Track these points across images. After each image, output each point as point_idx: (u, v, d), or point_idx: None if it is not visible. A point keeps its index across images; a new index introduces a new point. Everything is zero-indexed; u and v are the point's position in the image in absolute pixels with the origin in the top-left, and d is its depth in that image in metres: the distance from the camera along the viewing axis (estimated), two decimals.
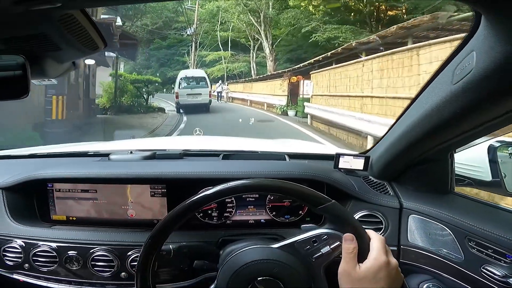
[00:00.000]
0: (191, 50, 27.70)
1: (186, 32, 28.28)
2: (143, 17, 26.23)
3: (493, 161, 0.98)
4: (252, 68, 24.91)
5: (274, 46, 22.01)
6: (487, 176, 0.99)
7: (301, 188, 0.72)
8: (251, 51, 24.80)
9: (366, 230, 0.71)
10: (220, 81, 22.64)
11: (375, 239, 0.69)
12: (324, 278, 0.71)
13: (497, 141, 0.98)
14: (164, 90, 28.96)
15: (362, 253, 0.67)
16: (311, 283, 0.71)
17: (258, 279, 0.71)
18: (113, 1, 0.52)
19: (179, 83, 15.55)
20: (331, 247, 0.70)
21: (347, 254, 0.67)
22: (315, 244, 0.71)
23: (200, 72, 17.62)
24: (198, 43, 27.70)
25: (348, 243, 0.67)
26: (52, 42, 0.52)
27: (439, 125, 0.72)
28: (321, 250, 0.70)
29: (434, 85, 0.68)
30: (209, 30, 27.37)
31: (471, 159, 1.03)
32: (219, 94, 21.55)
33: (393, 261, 0.67)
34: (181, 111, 14.66)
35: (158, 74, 29.62)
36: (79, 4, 0.46)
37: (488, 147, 0.97)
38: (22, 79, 0.47)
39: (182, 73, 16.65)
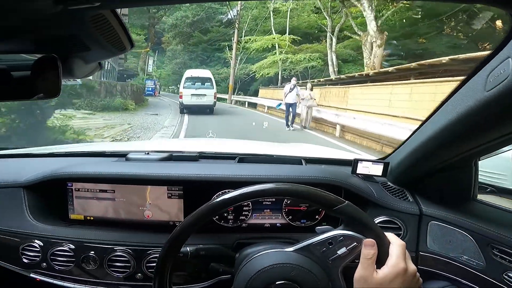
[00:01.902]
0: (233, 40, 23.50)
1: (227, 16, 25.20)
2: (181, 9, 24.55)
3: None
4: (330, 62, 15.96)
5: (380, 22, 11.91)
6: (511, 184, 0.97)
7: (314, 191, 0.70)
8: (328, 34, 15.98)
9: (386, 234, 0.69)
10: (293, 80, 10.86)
11: (395, 245, 0.67)
12: (342, 280, 0.70)
13: None
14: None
15: (380, 258, 0.65)
16: (329, 286, 0.70)
17: (277, 283, 0.70)
18: (150, 1, 0.52)
19: (184, 83, 15.02)
20: (347, 248, 0.68)
21: (365, 259, 0.65)
22: (330, 246, 0.70)
23: (206, 72, 16.75)
24: (241, 31, 23.33)
25: (368, 249, 0.65)
26: (82, 43, 0.53)
27: (467, 133, 0.70)
28: (338, 252, 0.69)
29: (464, 92, 0.66)
30: (259, 16, 22.58)
31: (494, 166, 1.01)
32: (291, 109, 10.50)
33: (412, 267, 0.66)
34: (185, 111, 14.33)
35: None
36: (117, 4, 0.47)
37: None
38: (55, 78, 0.47)
39: (188, 73, 16.03)
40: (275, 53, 21.12)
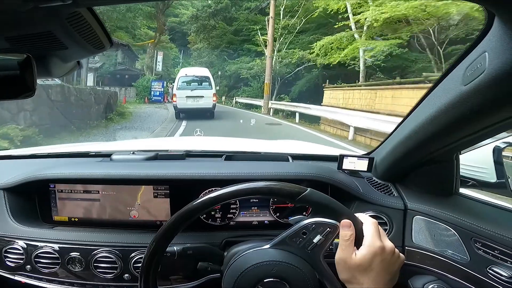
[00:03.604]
0: (267, 26, 17.41)
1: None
2: None
3: (498, 162, 0.97)
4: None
5: None
6: (492, 178, 0.99)
7: (275, 185, 0.70)
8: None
9: (357, 214, 0.70)
10: None
11: (368, 224, 0.67)
12: (327, 267, 0.70)
13: (503, 142, 0.97)
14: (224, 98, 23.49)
15: (356, 239, 0.66)
16: (315, 275, 0.70)
17: (265, 281, 0.70)
18: (117, 1, 0.51)
19: (178, 83, 13.13)
20: (322, 235, 0.69)
21: (344, 241, 0.65)
22: (305, 236, 0.70)
23: (202, 71, 14.47)
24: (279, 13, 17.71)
25: (345, 230, 0.66)
26: (59, 41, 0.52)
27: (447, 127, 0.71)
28: (314, 240, 0.69)
29: (443, 86, 0.67)
30: None
31: (475, 160, 1.03)
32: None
33: (389, 244, 0.66)
34: (181, 116, 12.56)
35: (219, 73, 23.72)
36: (89, 2, 0.46)
37: (494, 148, 0.97)
38: (28, 77, 0.46)
39: (182, 72, 14.10)
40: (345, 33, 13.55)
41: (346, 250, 0.65)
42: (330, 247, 0.69)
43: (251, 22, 21.47)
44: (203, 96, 12.65)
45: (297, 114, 13.16)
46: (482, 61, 0.51)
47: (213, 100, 12.86)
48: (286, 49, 19.34)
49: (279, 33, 18.81)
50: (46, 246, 0.97)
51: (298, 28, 18.67)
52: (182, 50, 29.53)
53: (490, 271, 0.78)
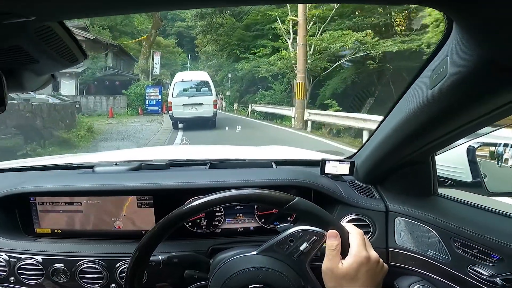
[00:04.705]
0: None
1: None
2: None
3: (472, 161, 1.00)
4: None
5: None
6: (468, 177, 1.01)
7: (264, 192, 0.71)
8: None
9: (343, 224, 0.72)
10: None
11: (354, 234, 0.69)
12: (312, 274, 0.71)
13: (477, 142, 1.00)
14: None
15: (342, 249, 0.67)
16: (301, 282, 0.71)
17: (250, 287, 0.71)
18: (94, 13, 0.51)
19: (173, 90, 11.69)
20: (308, 243, 0.70)
21: (330, 251, 0.67)
22: (292, 243, 0.71)
23: (201, 75, 12.80)
24: None
25: (332, 240, 0.67)
26: (28, 55, 0.51)
27: (418, 130, 0.73)
28: (300, 248, 0.71)
29: (412, 90, 0.70)
30: None
31: (451, 160, 1.06)
32: None
33: (374, 254, 0.68)
34: (180, 126, 11.29)
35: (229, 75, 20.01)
36: (55, 17, 0.46)
37: (467, 148, 1.00)
38: None
39: (178, 76, 12.45)
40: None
41: (333, 259, 0.66)
42: (316, 255, 0.71)
43: (265, 15, 17.15)
44: (202, 104, 11.18)
45: (365, 133, 7.67)
46: (445, 65, 0.53)
47: (214, 108, 11.39)
48: (320, 35, 13.79)
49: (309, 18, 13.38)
50: (29, 258, 0.97)
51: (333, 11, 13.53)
52: (190, 55, 28.64)
53: (471, 270, 0.79)
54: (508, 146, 1.10)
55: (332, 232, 0.68)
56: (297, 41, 12.94)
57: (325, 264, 0.67)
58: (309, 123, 10.99)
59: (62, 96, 14.07)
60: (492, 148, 1.07)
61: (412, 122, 0.72)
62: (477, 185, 1.00)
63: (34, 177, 1.18)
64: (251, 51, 17.23)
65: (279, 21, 15.31)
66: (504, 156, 1.10)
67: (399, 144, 0.85)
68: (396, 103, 0.81)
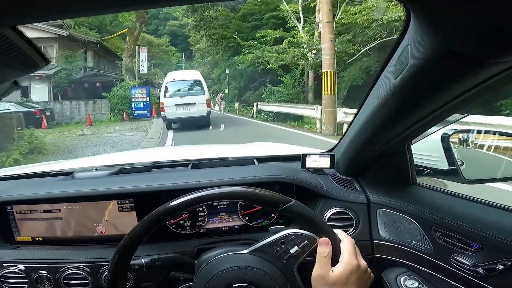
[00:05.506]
0: None
1: None
2: None
3: (447, 149, 1.00)
4: None
5: None
6: (444, 165, 1.02)
7: (261, 192, 0.72)
8: None
9: (335, 231, 0.72)
10: None
11: (346, 242, 0.70)
12: (299, 278, 0.72)
13: (451, 129, 1.01)
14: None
15: (333, 256, 0.68)
16: (286, 285, 0.71)
17: (233, 286, 0.71)
18: (46, 17, 0.50)
19: (165, 90, 11.41)
20: (299, 246, 0.71)
21: (321, 258, 0.68)
22: (283, 246, 0.72)
23: (193, 74, 12.57)
24: None
25: (323, 247, 0.68)
26: None
27: (388, 120, 0.74)
28: (290, 251, 0.71)
29: (380, 80, 0.70)
30: None
31: (427, 148, 1.07)
32: None
33: (363, 263, 0.69)
34: (173, 127, 11.10)
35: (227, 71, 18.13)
36: (5, 23, 0.44)
37: (442, 135, 1.00)
38: None
39: (169, 76, 12.14)
40: None
41: (323, 267, 0.67)
42: (305, 259, 0.71)
43: (263, 3, 15.19)
44: (195, 103, 10.96)
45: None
46: (406, 54, 0.54)
47: (207, 107, 11.18)
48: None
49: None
50: (11, 266, 0.96)
51: None
52: (184, 54, 28.09)
53: (454, 260, 0.80)
54: (482, 132, 1.12)
55: (324, 239, 0.69)
56: (318, 19, 10.24)
57: (316, 271, 0.68)
58: (345, 127, 7.04)
59: (32, 103, 12.64)
60: (465, 135, 1.08)
61: (382, 112, 0.73)
62: (454, 173, 1.00)
63: (11, 185, 1.15)
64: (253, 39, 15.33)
65: (284, 3, 13.55)
66: (478, 143, 1.12)
67: (372, 135, 0.85)
68: (368, 93, 0.82)
